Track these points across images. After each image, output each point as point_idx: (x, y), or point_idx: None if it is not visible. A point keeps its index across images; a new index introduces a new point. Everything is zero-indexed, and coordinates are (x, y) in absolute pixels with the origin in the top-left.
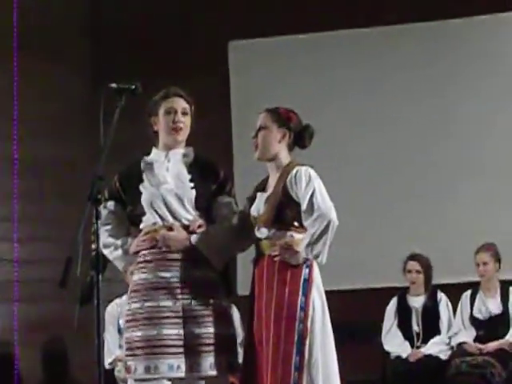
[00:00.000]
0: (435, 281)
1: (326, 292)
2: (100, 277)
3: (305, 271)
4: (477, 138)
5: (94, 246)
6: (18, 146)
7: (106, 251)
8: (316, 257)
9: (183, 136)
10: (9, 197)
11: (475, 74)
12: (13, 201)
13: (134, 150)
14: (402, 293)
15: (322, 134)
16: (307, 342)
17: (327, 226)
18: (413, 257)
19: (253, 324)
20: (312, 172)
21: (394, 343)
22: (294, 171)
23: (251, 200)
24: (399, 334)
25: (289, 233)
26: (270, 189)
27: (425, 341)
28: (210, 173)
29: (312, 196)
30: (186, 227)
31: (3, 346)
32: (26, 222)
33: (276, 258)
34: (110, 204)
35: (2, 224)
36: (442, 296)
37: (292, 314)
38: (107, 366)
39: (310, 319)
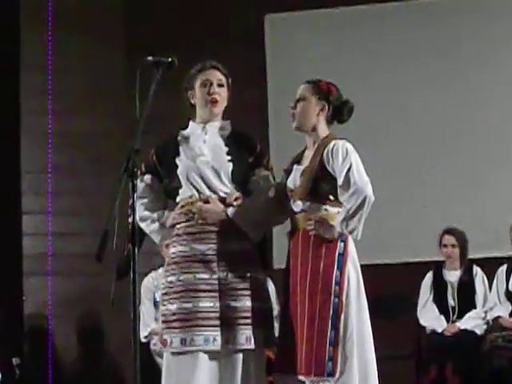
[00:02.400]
0: (471, 255)
1: (362, 266)
2: (136, 250)
3: (340, 246)
4: None
5: (130, 220)
6: (52, 120)
7: (142, 224)
8: (351, 232)
9: (219, 108)
10: (44, 171)
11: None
12: (47, 175)
13: (171, 124)
14: (438, 267)
15: (359, 110)
16: (342, 317)
17: (363, 202)
18: (448, 231)
19: (288, 298)
20: (349, 147)
21: (430, 317)
22: (332, 145)
23: (288, 172)
24: (435, 308)
25: (324, 206)
26: (307, 161)
27: (460, 315)
28: (247, 146)
29: (349, 171)
30: (222, 200)
31: (39, 320)
32: (62, 195)
33: (311, 233)
34: (147, 177)
35: (38, 198)
36: (477, 270)
37: (327, 288)
38: (143, 340)
39: (345, 294)
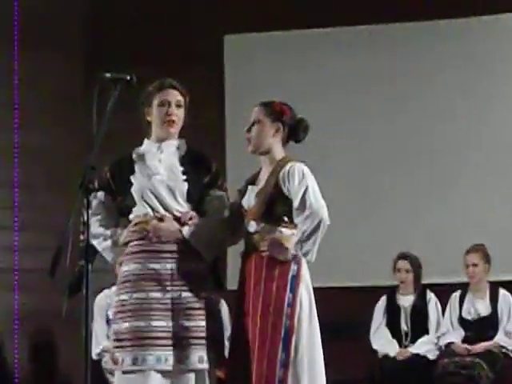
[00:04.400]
0: (425, 280)
1: (315, 289)
2: (89, 267)
3: (293, 268)
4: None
5: (83, 236)
6: (12, 135)
7: (95, 242)
8: (305, 255)
9: (176, 128)
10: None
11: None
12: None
13: (127, 141)
14: (392, 292)
15: (314, 129)
16: (293, 339)
17: (318, 225)
18: (402, 256)
19: (240, 319)
20: (306, 169)
21: (382, 342)
22: (288, 167)
23: (242, 193)
24: (387, 332)
25: (278, 228)
26: (262, 182)
27: (413, 340)
28: (203, 166)
29: (305, 193)
30: (177, 219)
31: None
32: (15, 209)
33: (264, 254)
34: (100, 194)
35: None
36: (431, 296)
37: (279, 310)
38: (94, 357)
39: (296, 316)
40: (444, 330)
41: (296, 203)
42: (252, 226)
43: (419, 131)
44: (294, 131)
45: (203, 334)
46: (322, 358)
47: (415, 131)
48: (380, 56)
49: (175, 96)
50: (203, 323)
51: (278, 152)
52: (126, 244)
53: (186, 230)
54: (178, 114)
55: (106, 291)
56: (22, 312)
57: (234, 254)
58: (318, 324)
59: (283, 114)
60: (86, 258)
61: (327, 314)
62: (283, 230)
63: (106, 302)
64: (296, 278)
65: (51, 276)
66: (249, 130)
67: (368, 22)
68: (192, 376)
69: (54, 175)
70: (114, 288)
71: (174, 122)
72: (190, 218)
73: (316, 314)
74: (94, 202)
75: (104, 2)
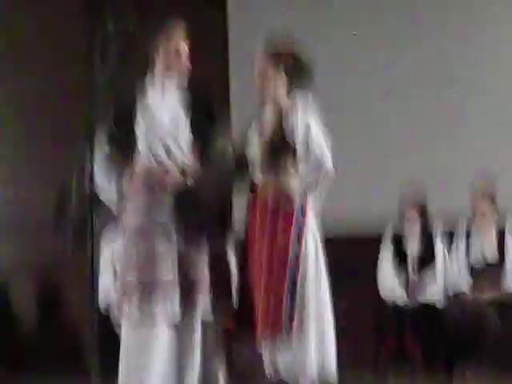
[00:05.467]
0: (433, 228)
1: (322, 239)
2: (94, 220)
3: (299, 217)
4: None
5: (87, 188)
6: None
7: (99, 193)
8: (311, 204)
9: (182, 77)
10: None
11: None
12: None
13: (130, 90)
14: (399, 240)
15: (321, 68)
16: (299, 288)
17: (323, 174)
18: (411, 204)
19: (247, 268)
20: (310, 119)
21: (390, 290)
22: (292, 117)
23: (247, 142)
24: (395, 281)
25: (283, 178)
26: (267, 132)
27: (421, 288)
28: (207, 115)
29: (309, 143)
30: (181, 169)
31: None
32: (18, 164)
33: (270, 203)
34: (105, 145)
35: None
36: (439, 244)
37: (284, 258)
38: (103, 311)
39: (302, 264)
40: (452, 279)
41: (300, 154)
42: (257, 177)
43: (440, 58)
44: (299, 77)
45: (210, 285)
46: (330, 307)
47: (435, 58)
48: None
49: (181, 43)
50: (209, 273)
51: (283, 100)
52: (132, 195)
53: (190, 180)
54: (183, 62)
55: (111, 244)
56: (28, 265)
57: (239, 203)
58: (325, 272)
59: (287, 60)
60: (91, 210)
61: (336, 264)
62: (289, 179)
63: (112, 254)
64: (302, 227)
65: (56, 227)
66: (255, 80)
67: None
68: (199, 328)
69: (57, 128)
70: (119, 240)
71: (178, 69)
72: (195, 167)
73: (323, 263)
74: (99, 154)
75: None
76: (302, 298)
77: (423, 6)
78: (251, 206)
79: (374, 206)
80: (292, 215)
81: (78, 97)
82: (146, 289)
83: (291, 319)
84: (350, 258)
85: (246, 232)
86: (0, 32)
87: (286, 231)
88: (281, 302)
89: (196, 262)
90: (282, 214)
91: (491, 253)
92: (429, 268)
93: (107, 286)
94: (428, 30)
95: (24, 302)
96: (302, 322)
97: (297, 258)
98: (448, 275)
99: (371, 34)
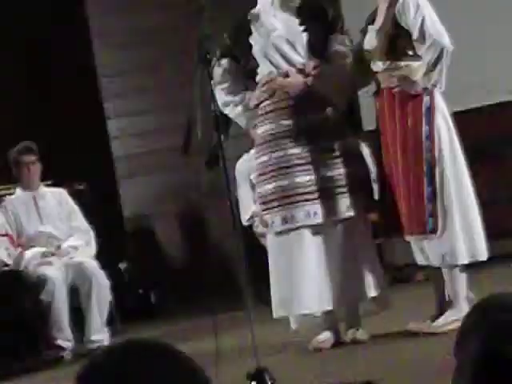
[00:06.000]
0: None
1: (459, 113)
2: (223, 136)
3: (426, 100)
4: None
5: (212, 107)
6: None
7: (226, 110)
8: (434, 85)
9: None
10: (121, 72)
11: None
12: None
13: (238, 5)
14: None
15: None
16: (437, 171)
17: (441, 53)
18: None
19: (382, 159)
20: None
21: None
22: (402, 0)
23: (364, 33)
24: None
25: (403, 63)
26: (380, 20)
27: None
28: (319, 13)
29: (422, 24)
30: (301, 71)
31: (138, 221)
32: (142, 94)
33: (394, 90)
34: (224, 62)
35: (118, 100)
36: None
37: (418, 144)
38: (245, 223)
39: (437, 147)
40: None
41: (415, 35)
42: (378, 66)
43: None
44: None
45: (347, 182)
46: (470, 184)
47: None
48: None
49: None
50: (345, 170)
51: None
52: (257, 106)
53: (311, 81)
54: None
55: (244, 156)
56: (164, 193)
57: (365, 95)
58: (460, 151)
59: None
60: (218, 129)
61: (468, 137)
62: (409, 63)
63: (246, 166)
64: (430, 109)
65: (185, 152)
66: None
67: None
68: (343, 225)
69: (170, 55)
70: (252, 151)
71: None
72: (315, 68)
73: (457, 142)
74: (219, 71)
75: None
76: (442, 185)
77: None
78: (378, 95)
79: (500, 72)
80: (419, 98)
81: (184, 19)
82: (285, 195)
83: (434, 216)
84: (483, 129)
85: (377, 121)
86: None
87: (416, 115)
88: (422, 194)
89: (330, 160)
90: (408, 99)
91: None
92: None
93: (245, 197)
94: None
95: (166, 228)
96: (445, 215)
97: (430, 140)
98: None
99: None
